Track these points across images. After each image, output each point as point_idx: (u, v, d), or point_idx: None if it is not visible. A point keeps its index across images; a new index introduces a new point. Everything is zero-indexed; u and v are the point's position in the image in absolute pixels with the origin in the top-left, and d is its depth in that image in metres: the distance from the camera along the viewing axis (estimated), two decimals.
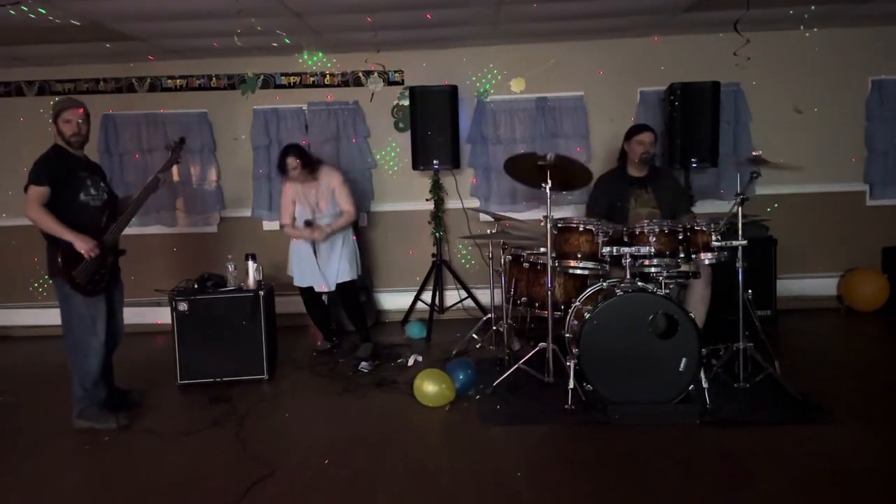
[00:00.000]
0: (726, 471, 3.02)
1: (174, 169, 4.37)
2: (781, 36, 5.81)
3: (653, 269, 3.92)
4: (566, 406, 3.68)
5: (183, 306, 4.45)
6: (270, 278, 5.11)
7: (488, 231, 4.93)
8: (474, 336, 5.13)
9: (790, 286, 5.92)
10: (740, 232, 3.92)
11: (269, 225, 6.18)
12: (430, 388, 3.89)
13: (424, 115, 5.64)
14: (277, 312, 4.90)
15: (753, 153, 3.91)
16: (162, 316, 5.85)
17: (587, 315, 3.74)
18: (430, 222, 6.01)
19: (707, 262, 4.06)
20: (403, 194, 6.17)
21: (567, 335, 4.03)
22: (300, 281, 5.05)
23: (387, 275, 6.25)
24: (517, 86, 6.06)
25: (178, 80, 6.12)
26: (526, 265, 4.43)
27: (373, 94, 6.11)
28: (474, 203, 6.12)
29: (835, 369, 4.38)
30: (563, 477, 3.02)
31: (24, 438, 3.73)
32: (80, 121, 3.76)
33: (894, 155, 6.00)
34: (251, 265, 4.60)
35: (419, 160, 5.71)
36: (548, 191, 3.99)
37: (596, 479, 2.98)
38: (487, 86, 6.04)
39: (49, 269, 3.73)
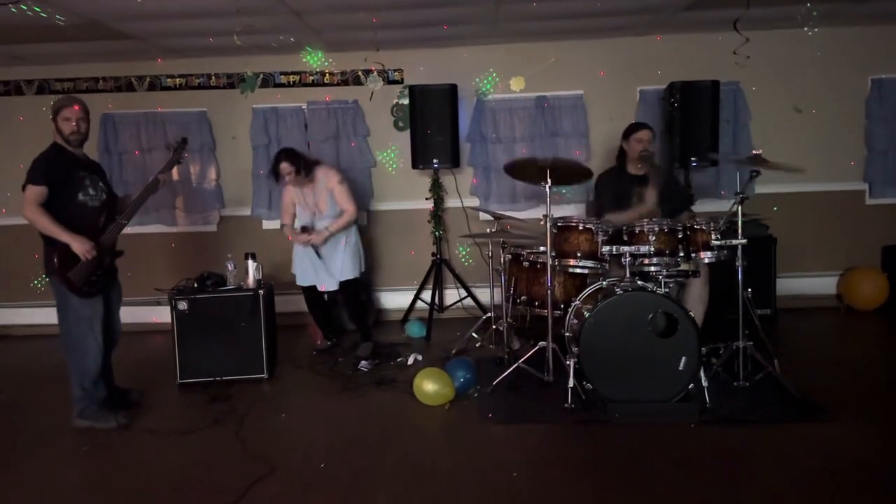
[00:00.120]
0: (726, 469, 3.02)
1: (174, 168, 4.35)
2: (781, 35, 5.81)
3: (652, 268, 3.93)
4: (566, 405, 3.68)
5: (183, 305, 4.45)
6: (270, 277, 5.12)
7: (488, 230, 4.93)
8: (474, 335, 5.13)
9: (790, 285, 5.92)
10: (740, 231, 3.92)
11: (269, 224, 6.18)
12: (429, 386, 3.89)
13: (424, 113, 5.64)
14: (277, 311, 4.90)
15: (753, 152, 3.91)
16: (158, 314, 5.85)
17: (587, 314, 3.74)
18: (429, 221, 6.01)
19: (707, 260, 4.07)
20: (403, 193, 6.17)
21: (567, 334, 4.03)
22: (302, 280, 5.05)
23: (386, 274, 6.25)
24: (517, 85, 6.06)
25: (177, 79, 6.12)
26: (526, 264, 4.43)
27: (372, 93, 6.11)
28: (474, 202, 6.12)
29: (834, 368, 4.38)
30: (563, 475, 3.02)
31: (24, 437, 3.73)
32: (79, 119, 3.74)
33: (894, 154, 6.00)
34: (251, 264, 4.60)
35: (419, 159, 5.71)
36: (548, 190, 3.99)
37: (596, 478, 2.99)
38: (488, 86, 6.03)
39: (46, 269, 3.72)
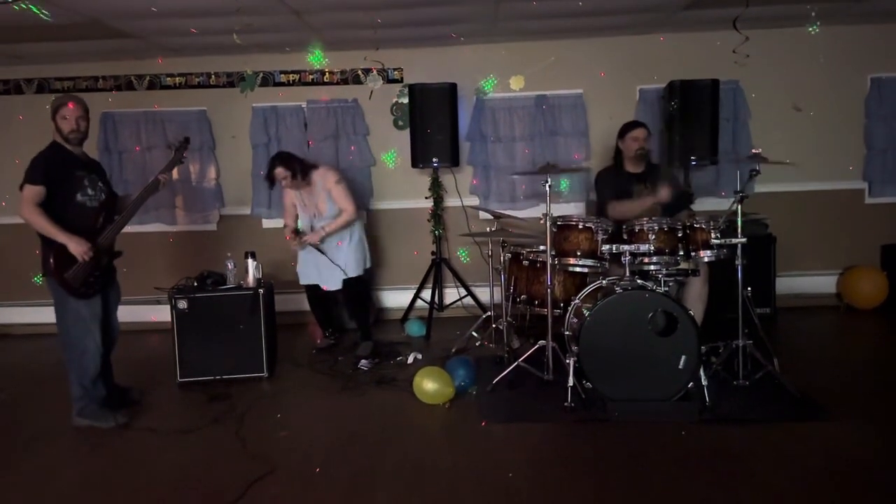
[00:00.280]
0: (725, 468, 3.02)
1: (174, 168, 4.34)
2: (781, 34, 5.81)
3: (652, 267, 3.93)
4: (566, 404, 3.68)
5: (183, 304, 4.45)
6: (270, 276, 5.12)
7: (487, 229, 4.93)
8: (474, 334, 5.13)
9: (789, 284, 5.92)
10: (740, 230, 3.92)
11: (269, 223, 6.18)
12: (429, 385, 3.89)
13: (424, 112, 5.64)
14: (277, 310, 4.90)
15: (753, 151, 3.91)
16: (157, 313, 5.85)
17: (586, 313, 3.75)
18: (429, 220, 6.01)
19: (706, 259, 4.07)
20: (403, 192, 6.17)
21: (566, 333, 4.03)
22: (305, 279, 5.06)
23: (386, 273, 6.25)
24: (516, 83, 6.05)
25: (177, 78, 6.11)
26: (525, 263, 4.43)
27: (372, 92, 6.11)
28: (474, 201, 6.12)
29: (834, 367, 4.39)
30: (563, 474, 3.03)
31: (24, 437, 3.73)
32: (78, 117, 3.72)
33: (893, 153, 6.00)
34: (251, 263, 4.59)
35: (418, 158, 5.70)
36: (547, 189, 3.99)
37: (595, 477, 2.99)
38: (489, 86, 6.02)
39: (43, 269, 3.70)
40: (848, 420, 3.46)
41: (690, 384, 3.62)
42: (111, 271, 3.97)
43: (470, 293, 5.99)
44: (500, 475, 3.02)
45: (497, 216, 5.01)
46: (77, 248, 3.60)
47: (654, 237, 3.92)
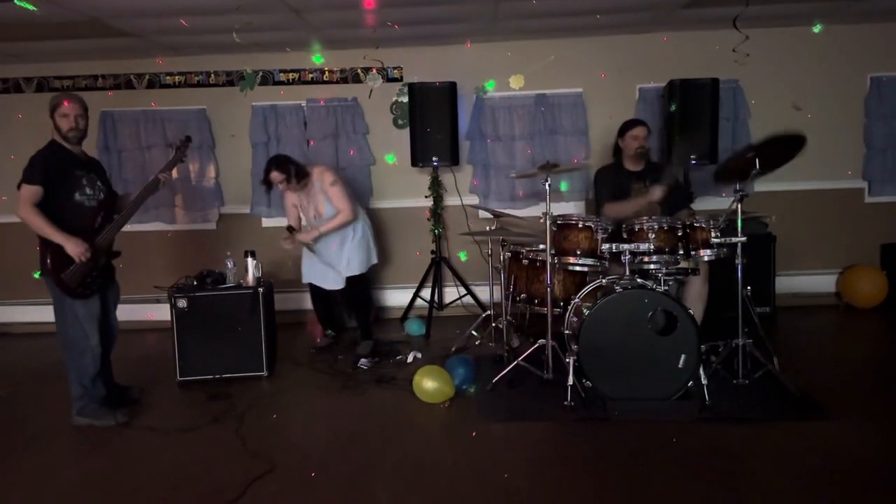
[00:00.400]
0: (725, 467, 3.02)
1: (174, 167, 4.33)
2: (780, 33, 5.81)
3: (652, 266, 3.93)
4: (565, 402, 3.68)
5: (182, 303, 4.44)
6: (269, 275, 5.12)
7: (487, 228, 4.93)
8: (473, 333, 5.13)
9: (789, 283, 5.93)
10: (739, 229, 3.92)
11: (269, 222, 6.18)
12: (429, 384, 3.89)
13: (423, 111, 5.64)
14: (277, 309, 4.90)
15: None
16: (154, 311, 5.86)
17: (586, 312, 3.75)
18: (429, 219, 6.01)
19: (706, 258, 4.07)
20: (402, 191, 6.17)
21: (566, 332, 4.03)
22: (307, 277, 5.07)
23: (386, 271, 6.25)
24: (516, 82, 6.05)
25: (176, 77, 6.11)
26: (525, 262, 4.43)
27: (371, 91, 6.11)
28: (473, 200, 6.12)
29: (833, 366, 4.39)
30: (563, 473, 3.03)
31: (24, 435, 3.73)
32: (77, 115, 3.71)
33: (893, 152, 6.00)
34: (250, 262, 4.59)
35: (418, 157, 5.70)
36: (547, 187, 3.99)
37: (595, 475, 2.99)
38: (489, 85, 6.02)
39: (41, 268, 3.69)
40: (847, 419, 3.46)
41: (690, 383, 3.62)
42: (110, 271, 3.96)
43: (469, 292, 5.99)
44: (500, 474, 3.02)
45: (497, 215, 5.01)
46: (74, 248, 3.59)
47: (653, 236, 3.92)
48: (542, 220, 4.02)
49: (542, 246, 4.23)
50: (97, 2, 4.35)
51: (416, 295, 5.98)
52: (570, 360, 3.74)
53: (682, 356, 3.59)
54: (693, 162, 5.51)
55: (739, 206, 3.92)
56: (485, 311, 5.33)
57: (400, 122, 6.11)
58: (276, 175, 4.72)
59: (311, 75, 6.11)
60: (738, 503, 2.73)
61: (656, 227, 3.94)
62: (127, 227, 4.00)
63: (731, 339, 3.99)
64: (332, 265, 4.93)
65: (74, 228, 3.64)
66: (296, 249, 4.99)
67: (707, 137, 5.47)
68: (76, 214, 3.69)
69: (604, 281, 4.02)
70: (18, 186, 3.61)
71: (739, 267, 3.95)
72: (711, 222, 4.04)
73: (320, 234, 4.83)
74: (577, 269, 4.15)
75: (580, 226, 4.08)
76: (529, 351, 4.10)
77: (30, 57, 5.88)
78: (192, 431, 3.67)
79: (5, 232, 6.00)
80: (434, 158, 5.66)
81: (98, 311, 3.81)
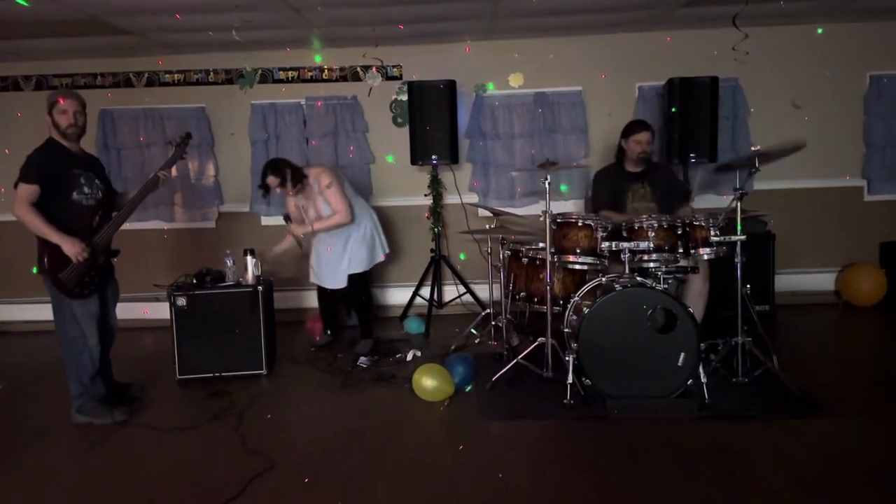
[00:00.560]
0: (724, 465, 3.02)
1: (174, 165, 4.31)
2: (780, 31, 5.81)
3: (651, 265, 3.93)
4: (565, 401, 3.69)
5: (182, 301, 4.44)
6: (269, 274, 5.11)
7: (487, 226, 4.92)
8: (473, 331, 5.13)
9: (788, 281, 5.93)
10: (739, 227, 3.92)
11: (268, 220, 6.17)
12: (428, 382, 3.89)
13: (423, 109, 5.63)
14: (276, 308, 4.90)
15: (753, 148, 3.91)
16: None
17: (586, 310, 3.75)
18: (428, 217, 6.01)
19: (706, 257, 4.07)
20: (402, 189, 6.16)
21: (566, 330, 4.03)
22: (313, 278, 5.11)
23: (385, 270, 6.24)
24: (515, 81, 6.05)
25: (175, 75, 6.10)
26: (525, 260, 4.43)
27: (371, 89, 6.10)
28: (473, 198, 6.11)
29: (833, 364, 4.39)
30: (562, 471, 3.03)
31: (23, 434, 3.72)
32: (76, 111, 3.69)
33: (892, 150, 6.01)
34: (250, 260, 4.59)
35: (417, 155, 5.70)
36: (547, 186, 3.99)
37: (595, 473, 2.99)
38: (490, 85, 6.02)
39: (38, 267, 3.68)
40: (847, 416, 3.47)
41: (690, 381, 3.63)
42: (109, 269, 3.95)
43: (469, 290, 5.99)
44: (499, 471, 3.02)
45: (496, 213, 5.01)
46: (71, 248, 3.57)
47: (653, 234, 3.92)
48: (541, 219, 4.02)
49: (541, 244, 4.23)
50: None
51: (415, 293, 5.97)
52: (570, 359, 3.74)
53: (682, 354, 3.60)
54: (692, 160, 5.52)
55: (739, 204, 3.93)
56: (484, 309, 5.33)
57: (399, 120, 6.10)
58: (272, 180, 4.73)
59: (310, 73, 6.10)
60: (737, 501, 2.74)
61: (656, 225, 3.94)
62: (126, 226, 3.99)
63: (730, 337, 3.99)
64: (336, 264, 4.94)
65: (72, 228, 3.63)
66: (306, 246, 5.00)
67: (707, 136, 5.47)
68: (74, 213, 3.68)
69: (603, 279, 4.02)
70: (15, 185, 3.59)
71: (739, 265, 3.95)
72: (711, 221, 4.04)
73: (313, 230, 4.83)
74: (577, 267, 4.15)
75: (580, 224, 4.08)
76: (529, 349, 4.10)
77: (29, 55, 5.87)
78: (192, 429, 3.67)
79: (4, 230, 5.99)
80: (433, 157, 5.65)
81: (97, 311, 3.80)
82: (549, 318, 4.05)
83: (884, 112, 5.95)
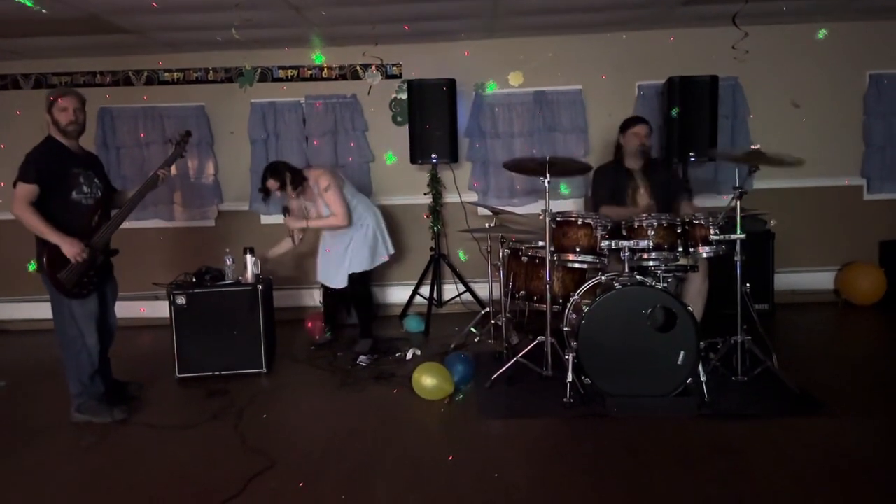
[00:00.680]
0: (724, 463, 3.03)
1: (174, 163, 4.30)
2: (779, 30, 5.81)
3: (651, 263, 3.94)
4: (564, 399, 3.69)
5: (181, 300, 4.44)
6: (268, 272, 5.10)
7: (486, 225, 4.92)
8: (472, 330, 5.14)
9: (788, 280, 5.94)
10: (738, 226, 3.92)
11: (267, 219, 6.17)
12: (428, 381, 3.89)
13: (422, 108, 5.63)
14: (276, 306, 4.90)
15: (752, 147, 3.91)
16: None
17: (585, 308, 3.75)
18: (428, 216, 6.01)
19: (705, 255, 4.07)
20: (401, 188, 6.16)
21: (565, 329, 4.04)
22: (319, 276, 5.14)
23: (385, 269, 6.22)
24: (515, 79, 6.05)
25: (175, 74, 6.10)
26: (524, 259, 4.42)
27: (370, 88, 6.10)
28: (472, 197, 6.11)
29: (832, 363, 4.40)
30: (562, 470, 3.03)
31: (23, 432, 3.72)
32: (75, 108, 3.67)
33: (892, 150, 6.01)
34: (249, 259, 4.59)
35: (417, 154, 5.70)
36: (546, 185, 3.99)
37: (594, 472, 2.99)
38: (491, 86, 6.01)
39: (37, 266, 3.67)
40: (846, 415, 3.47)
41: (689, 380, 3.63)
42: (108, 268, 3.94)
43: (469, 289, 5.99)
44: (499, 471, 3.02)
45: (496, 212, 5.00)
46: (70, 249, 3.56)
47: (653, 233, 3.92)
48: (541, 217, 4.02)
49: (541, 243, 4.23)
50: None
51: (415, 292, 5.97)
52: (570, 357, 3.74)
53: (682, 353, 3.60)
54: (692, 159, 5.52)
55: (738, 203, 3.93)
56: (484, 308, 5.33)
57: (399, 119, 6.10)
58: (272, 183, 4.74)
59: (309, 72, 6.09)
60: (736, 499, 2.74)
61: (656, 223, 3.94)
62: (125, 224, 3.98)
63: (730, 336, 3.99)
64: (338, 264, 4.94)
65: (71, 227, 3.62)
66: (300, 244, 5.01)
67: (706, 135, 5.47)
68: (73, 213, 3.67)
69: (603, 278, 4.02)
70: (14, 184, 3.58)
71: (738, 264, 3.95)
72: (711, 219, 4.04)
73: (307, 226, 4.85)
74: (577, 265, 4.15)
75: (579, 223, 4.09)
76: (528, 348, 4.10)
77: (28, 53, 5.86)
78: (192, 428, 3.67)
79: (3, 229, 5.98)
80: (433, 155, 5.65)
81: (95, 310, 3.79)
82: (548, 316, 4.05)
83: (883, 111, 5.95)
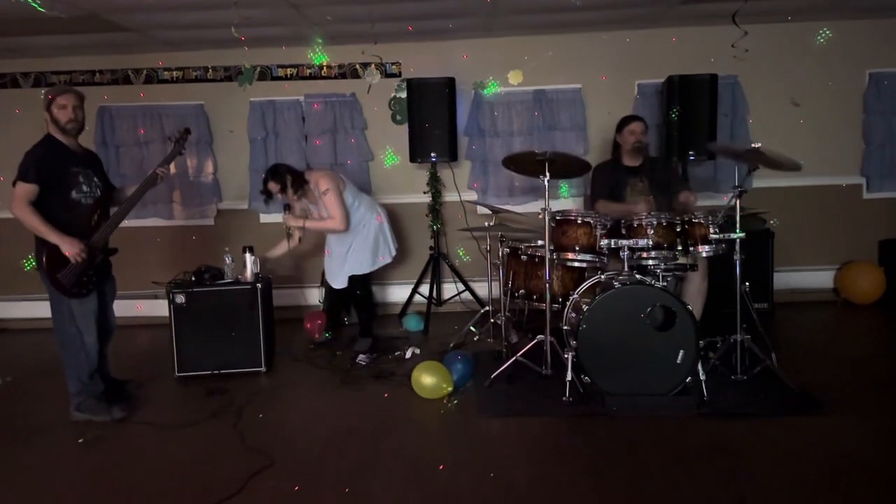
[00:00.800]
0: (723, 462, 3.03)
1: (172, 162, 4.29)
2: (779, 28, 5.81)
3: (650, 262, 3.94)
4: (564, 398, 3.69)
5: (180, 299, 4.44)
6: (268, 271, 5.10)
7: (486, 224, 4.92)
8: (472, 329, 5.14)
9: (787, 279, 5.94)
10: (738, 225, 3.92)
11: (267, 217, 6.16)
12: (427, 380, 3.89)
13: (422, 107, 5.63)
14: (275, 305, 4.90)
15: (752, 146, 3.91)
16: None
17: (585, 307, 3.74)
18: (427, 215, 6.00)
19: (705, 254, 4.07)
20: (401, 187, 6.16)
21: (565, 327, 4.04)
22: (327, 276, 5.13)
23: (384, 268, 6.22)
24: (515, 78, 6.05)
25: (174, 72, 6.10)
26: (524, 258, 4.43)
27: (370, 86, 6.09)
28: (472, 196, 6.11)
29: (831, 361, 4.39)
30: (561, 468, 3.03)
31: (22, 431, 3.72)
32: (75, 106, 3.66)
33: (891, 148, 6.01)
34: (249, 258, 4.59)
35: (416, 153, 5.70)
36: (546, 184, 3.99)
37: (593, 471, 2.99)
38: (492, 86, 6.01)
39: (37, 265, 3.67)
40: (845, 414, 3.47)
41: (688, 379, 3.63)
42: (107, 267, 3.94)
43: (468, 288, 5.99)
44: (498, 469, 3.03)
45: (495, 211, 5.00)
46: (70, 249, 3.55)
47: (652, 232, 3.92)
48: (540, 216, 4.02)
49: (540, 242, 4.23)
50: None
51: (414, 291, 5.97)
52: (569, 356, 3.74)
53: (681, 352, 3.60)
54: (691, 158, 5.51)
55: (738, 202, 3.93)
56: (483, 307, 5.33)
57: (398, 117, 6.09)
58: (272, 186, 4.74)
59: (309, 70, 6.09)
60: (736, 498, 2.74)
61: (655, 222, 3.94)
62: (125, 223, 3.97)
63: (729, 334, 3.99)
64: (339, 265, 4.95)
65: (71, 227, 3.61)
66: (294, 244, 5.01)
67: (705, 133, 5.47)
68: (73, 212, 3.66)
69: (602, 277, 4.02)
70: (14, 184, 3.57)
71: (738, 263, 3.95)
72: (710, 218, 4.04)
73: (304, 226, 4.84)
74: (576, 264, 4.15)
75: (579, 222, 4.09)
76: (528, 347, 4.09)
77: (27, 52, 5.86)
78: (191, 427, 3.67)
79: (2, 227, 5.98)
80: (432, 154, 5.65)
81: (95, 309, 3.79)
82: (548, 315, 4.05)
83: (883, 110, 5.95)
